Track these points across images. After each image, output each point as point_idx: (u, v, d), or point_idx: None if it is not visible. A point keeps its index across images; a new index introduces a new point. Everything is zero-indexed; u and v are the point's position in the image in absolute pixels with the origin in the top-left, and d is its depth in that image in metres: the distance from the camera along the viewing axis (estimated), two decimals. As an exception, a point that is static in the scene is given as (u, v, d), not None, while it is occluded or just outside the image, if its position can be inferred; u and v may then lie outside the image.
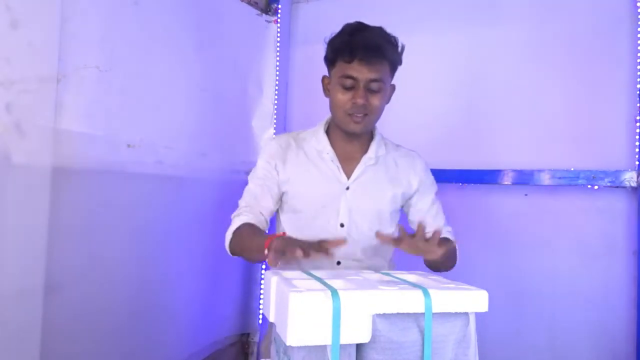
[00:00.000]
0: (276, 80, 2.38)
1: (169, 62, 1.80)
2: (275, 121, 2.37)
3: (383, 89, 1.34)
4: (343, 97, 1.33)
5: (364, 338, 0.80)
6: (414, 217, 1.49)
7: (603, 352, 1.87)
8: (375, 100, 1.33)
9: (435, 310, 0.83)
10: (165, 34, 1.77)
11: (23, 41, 1.25)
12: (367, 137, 1.46)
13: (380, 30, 1.34)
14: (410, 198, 1.49)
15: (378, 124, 1.47)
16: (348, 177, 1.42)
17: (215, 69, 2.05)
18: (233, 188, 2.09)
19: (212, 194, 2.03)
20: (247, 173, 1.50)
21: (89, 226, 1.48)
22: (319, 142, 1.44)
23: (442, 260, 1.25)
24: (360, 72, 1.30)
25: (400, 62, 1.38)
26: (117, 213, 1.58)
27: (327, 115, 1.46)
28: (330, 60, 1.37)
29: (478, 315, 0.90)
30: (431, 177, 1.52)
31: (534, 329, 1.96)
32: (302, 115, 2.43)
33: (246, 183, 1.48)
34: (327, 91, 1.41)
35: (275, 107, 2.37)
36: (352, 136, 1.42)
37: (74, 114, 1.42)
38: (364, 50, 1.28)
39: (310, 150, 1.45)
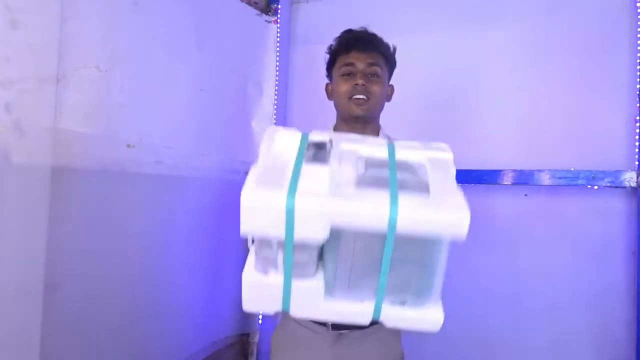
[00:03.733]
0: (276, 80, 2.38)
1: (168, 62, 1.80)
2: (275, 121, 2.37)
3: (382, 76, 1.38)
4: (345, 85, 1.36)
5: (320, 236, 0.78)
6: None
7: (603, 352, 1.86)
8: (374, 87, 1.36)
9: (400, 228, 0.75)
10: (165, 34, 1.77)
11: (23, 41, 1.25)
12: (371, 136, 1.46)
13: (372, 32, 1.42)
14: None
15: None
16: None
17: (215, 69, 2.05)
18: (233, 188, 2.09)
19: (211, 194, 2.03)
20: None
21: (89, 226, 1.48)
22: None
23: None
24: (358, 58, 1.36)
25: (394, 63, 1.43)
26: (117, 213, 1.58)
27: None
28: (331, 61, 1.43)
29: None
30: None
31: (533, 329, 1.96)
32: (302, 115, 2.43)
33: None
34: (330, 95, 1.44)
35: (275, 107, 2.37)
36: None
37: (74, 114, 1.42)
38: (359, 41, 1.37)
39: None
